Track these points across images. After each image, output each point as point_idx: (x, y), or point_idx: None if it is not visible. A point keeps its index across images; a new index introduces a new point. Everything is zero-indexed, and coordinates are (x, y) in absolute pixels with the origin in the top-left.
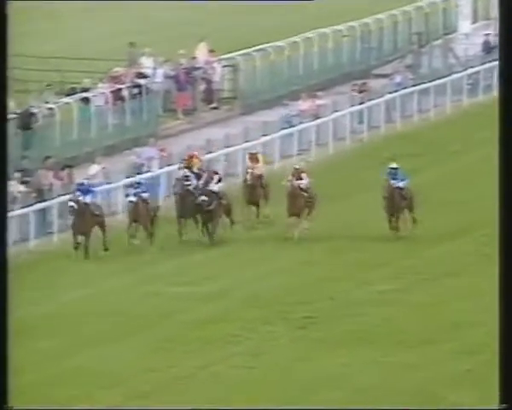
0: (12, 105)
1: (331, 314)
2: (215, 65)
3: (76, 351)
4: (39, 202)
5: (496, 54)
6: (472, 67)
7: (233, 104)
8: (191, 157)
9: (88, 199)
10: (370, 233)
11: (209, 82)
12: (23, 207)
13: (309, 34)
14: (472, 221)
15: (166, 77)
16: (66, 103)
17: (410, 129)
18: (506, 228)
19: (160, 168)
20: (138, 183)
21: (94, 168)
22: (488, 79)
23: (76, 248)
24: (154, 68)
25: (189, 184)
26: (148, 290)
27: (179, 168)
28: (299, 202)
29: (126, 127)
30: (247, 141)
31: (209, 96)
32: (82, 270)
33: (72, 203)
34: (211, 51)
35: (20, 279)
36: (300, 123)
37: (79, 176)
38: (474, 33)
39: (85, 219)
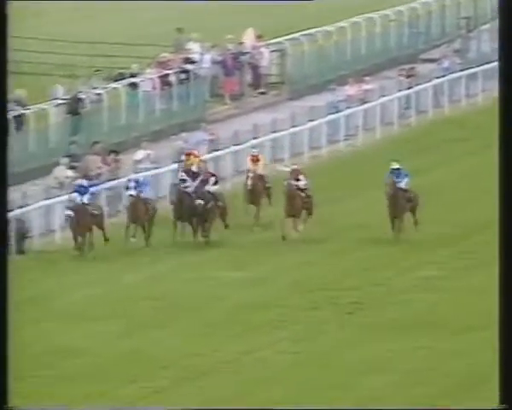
0: (61, 90)
1: (378, 300)
2: (262, 50)
3: (127, 335)
4: (90, 186)
5: None
6: None
7: (280, 89)
8: (189, 155)
9: (86, 199)
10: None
11: (256, 67)
12: (70, 193)
13: (356, 19)
14: None
15: (214, 62)
16: (114, 89)
17: (457, 114)
18: (506, 228)
19: (209, 153)
20: (137, 181)
21: (140, 153)
22: None
23: (78, 249)
24: (202, 54)
25: (186, 187)
26: (193, 276)
27: (178, 168)
28: (297, 203)
29: (173, 112)
30: (293, 126)
31: (256, 82)
32: (130, 257)
33: (69, 212)
34: (258, 37)
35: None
36: (347, 108)
37: (126, 161)
38: None
39: (84, 219)
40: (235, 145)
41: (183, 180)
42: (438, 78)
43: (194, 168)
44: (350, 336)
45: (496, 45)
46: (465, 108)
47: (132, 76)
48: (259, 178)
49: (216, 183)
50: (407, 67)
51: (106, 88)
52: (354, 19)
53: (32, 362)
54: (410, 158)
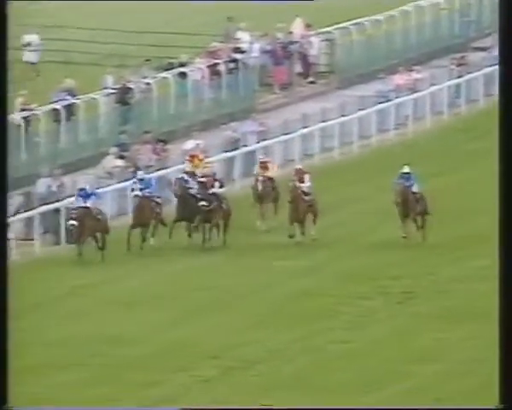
0: (111, 80)
1: (429, 290)
2: (312, 39)
3: (176, 324)
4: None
5: None
6: None
7: (329, 78)
8: (193, 157)
9: (89, 203)
10: (470, 206)
11: (305, 56)
12: (120, 182)
13: (407, 8)
14: None
15: (263, 51)
16: (164, 78)
17: None
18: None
19: (258, 143)
20: (141, 179)
21: (190, 143)
22: None
23: (79, 254)
24: (251, 43)
25: (189, 187)
26: (244, 266)
27: (182, 170)
28: (302, 208)
29: (223, 102)
30: (343, 115)
31: (305, 71)
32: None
33: (73, 222)
34: (307, 26)
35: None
36: (397, 97)
37: (176, 151)
38: None
39: (86, 223)
40: (284, 134)
41: (185, 181)
42: (489, 66)
43: (197, 171)
44: (400, 325)
45: None
46: None
47: (182, 65)
48: (268, 180)
49: (221, 187)
50: (458, 55)
51: (155, 77)
52: (404, 7)
53: (80, 350)
54: (465, 144)
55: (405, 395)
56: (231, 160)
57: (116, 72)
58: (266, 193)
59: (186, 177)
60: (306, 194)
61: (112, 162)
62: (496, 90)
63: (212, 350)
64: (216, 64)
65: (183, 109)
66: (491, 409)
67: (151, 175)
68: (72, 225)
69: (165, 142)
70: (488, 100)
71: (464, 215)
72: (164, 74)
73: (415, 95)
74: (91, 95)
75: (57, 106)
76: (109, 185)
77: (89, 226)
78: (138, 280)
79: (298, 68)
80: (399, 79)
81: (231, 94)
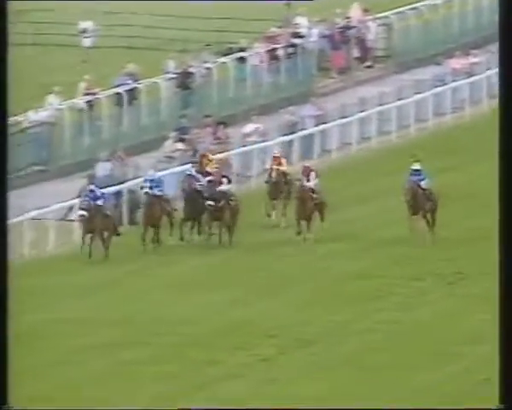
0: (172, 65)
1: (480, 270)
2: (369, 24)
3: (235, 304)
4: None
5: None
6: None
7: (386, 63)
8: (203, 157)
9: (99, 202)
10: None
11: (363, 41)
12: (180, 165)
13: None
14: None
15: (321, 36)
16: (224, 63)
17: None
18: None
19: (316, 126)
20: (152, 179)
21: (249, 127)
22: None
23: (90, 254)
24: (309, 28)
25: (198, 186)
26: (299, 248)
27: (191, 169)
28: (309, 205)
29: (281, 86)
30: (400, 99)
31: (363, 55)
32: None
33: (82, 212)
34: (365, 11)
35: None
36: (453, 81)
37: (236, 134)
38: None
39: (97, 219)
40: (341, 118)
41: (194, 179)
42: None
43: (208, 169)
44: (451, 306)
45: None
46: None
47: (241, 50)
48: (282, 174)
49: (229, 182)
50: None
51: (215, 62)
52: None
53: (141, 330)
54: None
55: (455, 375)
56: (290, 143)
57: (177, 57)
58: (279, 187)
59: (194, 175)
60: (313, 192)
61: (171, 147)
62: None
63: (271, 330)
64: (275, 49)
65: (243, 93)
66: (491, 409)
67: (161, 173)
68: (82, 215)
69: (225, 124)
70: None
71: None
72: (224, 59)
73: (471, 79)
74: (153, 79)
75: (120, 90)
76: (169, 168)
77: (98, 224)
78: (192, 265)
79: (355, 53)
80: (456, 63)
81: (289, 78)
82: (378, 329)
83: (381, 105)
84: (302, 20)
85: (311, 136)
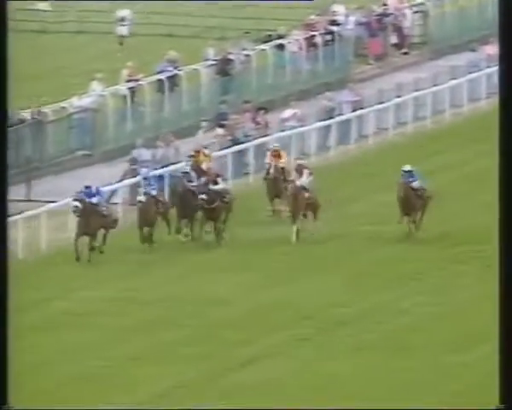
0: (212, 52)
1: None
2: (405, 11)
3: (272, 286)
4: (236, 144)
5: None
6: None
7: (422, 49)
8: (198, 153)
9: (95, 200)
10: None
11: (400, 28)
12: (221, 150)
13: None
14: None
15: (358, 24)
16: (263, 50)
17: None
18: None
19: (353, 112)
20: (146, 179)
21: (287, 112)
22: None
23: (91, 249)
24: (347, 16)
25: (191, 184)
26: (336, 231)
27: (186, 165)
28: (302, 203)
29: (319, 72)
30: (435, 85)
31: (399, 42)
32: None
33: (76, 203)
34: None
35: None
36: (488, 67)
37: (274, 119)
38: None
39: (91, 219)
40: (378, 104)
41: (187, 174)
42: None
43: (203, 167)
44: (490, 288)
45: None
46: None
47: (280, 38)
48: (281, 171)
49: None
50: None
51: (254, 49)
52: None
53: (179, 311)
54: None
55: (493, 356)
56: (327, 128)
57: (217, 44)
58: (278, 184)
59: (189, 173)
60: (306, 190)
61: (204, 137)
62: None
63: (307, 311)
64: (313, 36)
65: (281, 80)
66: (491, 409)
67: (156, 172)
68: (76, 206)
69: (265, 110)
70: None
71: None
72: (263, 46)
73: None
74: (193, 66)
75: (161, 77)
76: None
77: (94, 222)
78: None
79: (392, 40)
80: (491, 49)
81: (327, 65)
82: (414, 311)
83: (416, 91)
84: (340, 8)
85: (348, 121)
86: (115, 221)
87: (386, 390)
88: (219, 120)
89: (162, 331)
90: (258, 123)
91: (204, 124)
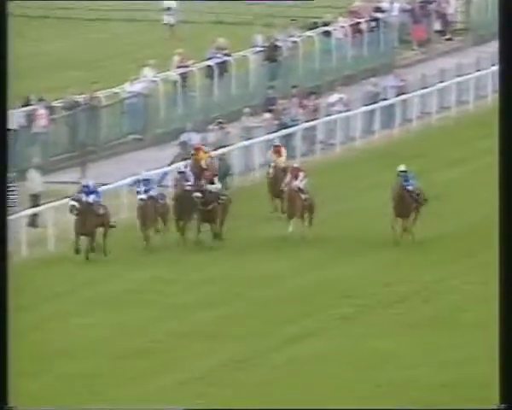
0: (259, 39)
1: None
2: None
3: (314, 266)
4: (280, 129)
5: None
6: None
7: (465, 36)
8: (198, 150)
9: (91, 199)
10: None
11: (443, 15)
12: (268, 134)
13: None
14: None
15: (402, 10)
16: (309, 37)
17: None
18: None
19: (397, 96)
20: (146, 179)
21: (334, 97)
22: None
23: (77, 251)
24: (391, 3)
25: (187, 183)
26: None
27: (183, 165)
28: (298, 204)
29: (364, 58)
30: (477, 70)
31: (443, 28)
32: None
33: (73, 203)
34: None
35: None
36: None
37: (321, 104)
38: None
39: (88, 218)
40: (422, 89)
41: (185, 176)
42: None
43: (202, 164)
44: None
45: None
46: None
47: (326, 25)
48: (282, 170)
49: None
50: None
51: (301, 36)
52: None
53: (224, 290)
54: None
55: None
56: (372, 113)
57: (265, 31)
58: (278, 184)
59: (185, 173)
60: (302, 192)
61: (246, 122)
62: None
63: (350, 290)
64: (358, 23)
65: (327, 65)
66: (490, 409)
67: (153, 172)
68: (73, 206)
69: (316, 94)
70: None
71: None
72: (309, 33)
73: None
74: (242, 52)
75: (211, 63)
76: (256, 137)
77: (90, 221)
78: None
79: (436, 26)
80: None
81: (372, 51)
82: (463, 289)
83: (459, 76)
84: None
85: (392, 106)
86: (111, 224)
87: (433, 366)
88: (267, 105)
89: (209, 310)
90: (305, 107)
91: (247, 109)
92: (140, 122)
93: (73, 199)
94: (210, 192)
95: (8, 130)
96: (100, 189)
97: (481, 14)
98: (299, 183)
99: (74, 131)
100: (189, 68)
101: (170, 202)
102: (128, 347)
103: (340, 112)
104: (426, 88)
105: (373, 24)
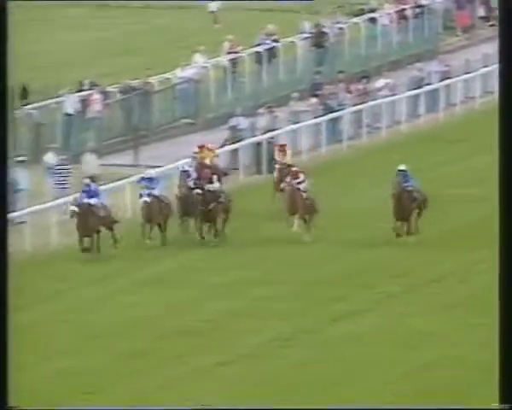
0: (307, 25)
1: None
2: None
3: (364, 246)
4: (330, 112)
5: None
6: None
7: None
8: (202, 148)
9: (93, 201)
10: None
11: (487, 1)
12: (315, 118)
13: None
14: None
15: None
16: (355, 23)
17: None
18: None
19: (441, 81)
20: (150, 178)
21: (380, 82)
22: None
23: (84, 251)
24: None
25: (190, 184)
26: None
27: (186, 164)
28: (300, 204)
29: (409, 44)
30: None
31: (487, 14)
32: None
33: (73, 208)
34: None
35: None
36: None
37: (369, 88)
38: None
39: (89, 220)
40: (466, 74)
41: (188, 174)
42: None
43: (207, 162)
44: None
45: None
46: None
47: (371, 11)
48: (287, 167)
49: (219, 181)
50: None
51: (347, 23)
52: None
53: (272, 271)
54: None
55: None
56: (416, 97)
57: (312, 18)
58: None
59: (188, 172)
60: (303, 192)
61: (302, 104)
62: None
63: (396, 269)
64: (403, 9)
65: (373, 51)
66: (491, 409)
67: (157, 171)
68: (73, 211)
69: (367, 78)
70: None
71: None
72: (355, 19)
73: None
74: (290, 39)
75: (260, 49)
76: (304, 120)
77: (92, 222)
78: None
79: (479, 12)
80: None
81: (417, 37)
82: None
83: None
84: None
85: (436, 90)
86: (114, 221)
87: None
88: (314, 90)
89: (257, 289)
90: (351, 92)
91: (295, 94)
92: (191, 107)
93: (73, 204)
94: (209, 192)
95: (8, 128)
96: (100, 191)
97: None
98: (300, 185)
99: (128, 116)
100: (239, 54)
101: (174, 201)
102: (178, 325)
103: (387, 96)
104: (469, 73)
105: (418, 10)
